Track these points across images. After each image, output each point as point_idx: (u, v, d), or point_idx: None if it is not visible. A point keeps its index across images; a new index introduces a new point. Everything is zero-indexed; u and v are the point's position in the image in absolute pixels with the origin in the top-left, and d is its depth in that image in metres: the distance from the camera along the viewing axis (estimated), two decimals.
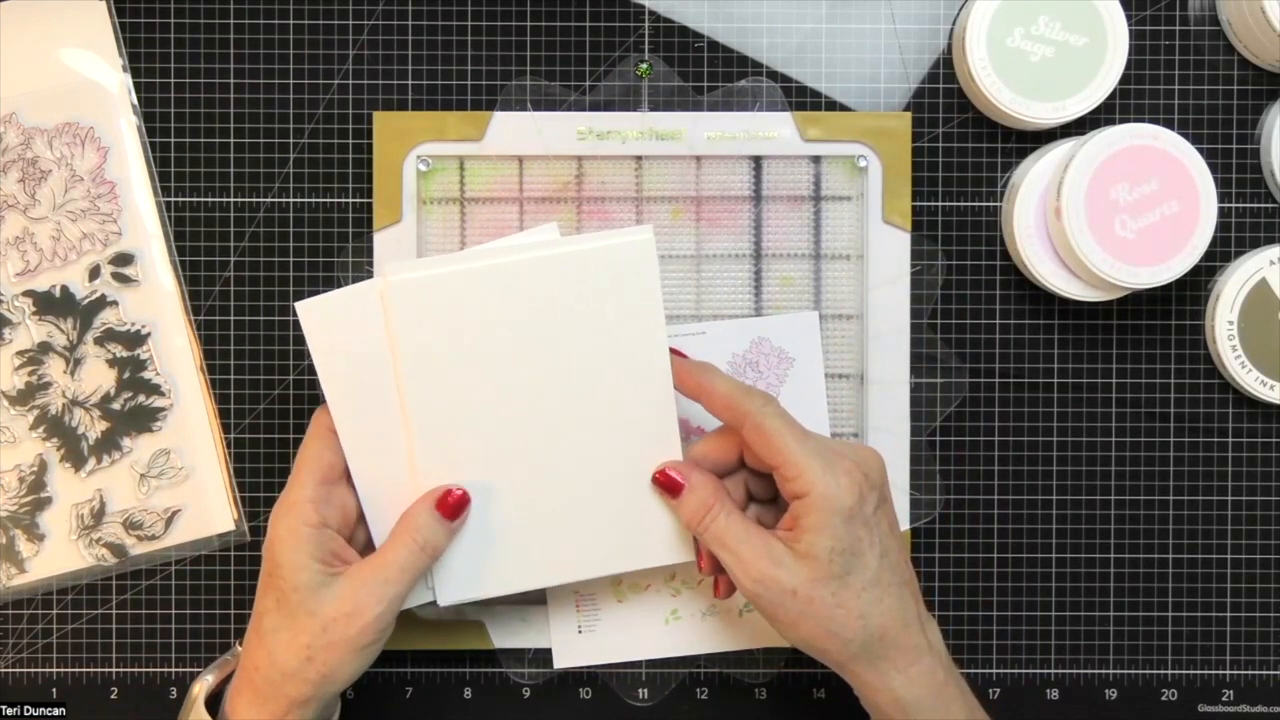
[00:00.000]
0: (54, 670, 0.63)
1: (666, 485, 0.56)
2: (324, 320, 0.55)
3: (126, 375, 0.63)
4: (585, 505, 0.56)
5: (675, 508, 0.56)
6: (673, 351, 0.56)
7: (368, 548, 0.57)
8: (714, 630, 0.62)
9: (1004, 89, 0.61)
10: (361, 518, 0.56)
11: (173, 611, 0.63)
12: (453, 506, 0.55)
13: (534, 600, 0.63)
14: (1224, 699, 0.64)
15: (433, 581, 0.57)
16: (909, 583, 0.54)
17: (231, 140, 0.63)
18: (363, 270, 0.62)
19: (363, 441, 0.55)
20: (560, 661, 0.62)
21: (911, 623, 0.54)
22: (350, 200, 0.63)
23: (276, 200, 0.63)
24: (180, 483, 0.63)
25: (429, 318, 0.54)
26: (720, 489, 0.55)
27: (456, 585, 0.57)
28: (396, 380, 0.55)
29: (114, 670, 0.63)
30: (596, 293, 0.54)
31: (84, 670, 0.63)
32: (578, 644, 0.62)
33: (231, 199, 0.63)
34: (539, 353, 0.55)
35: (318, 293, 0.62)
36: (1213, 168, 0.60)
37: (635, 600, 0.62)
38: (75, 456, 0.62)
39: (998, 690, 0.64)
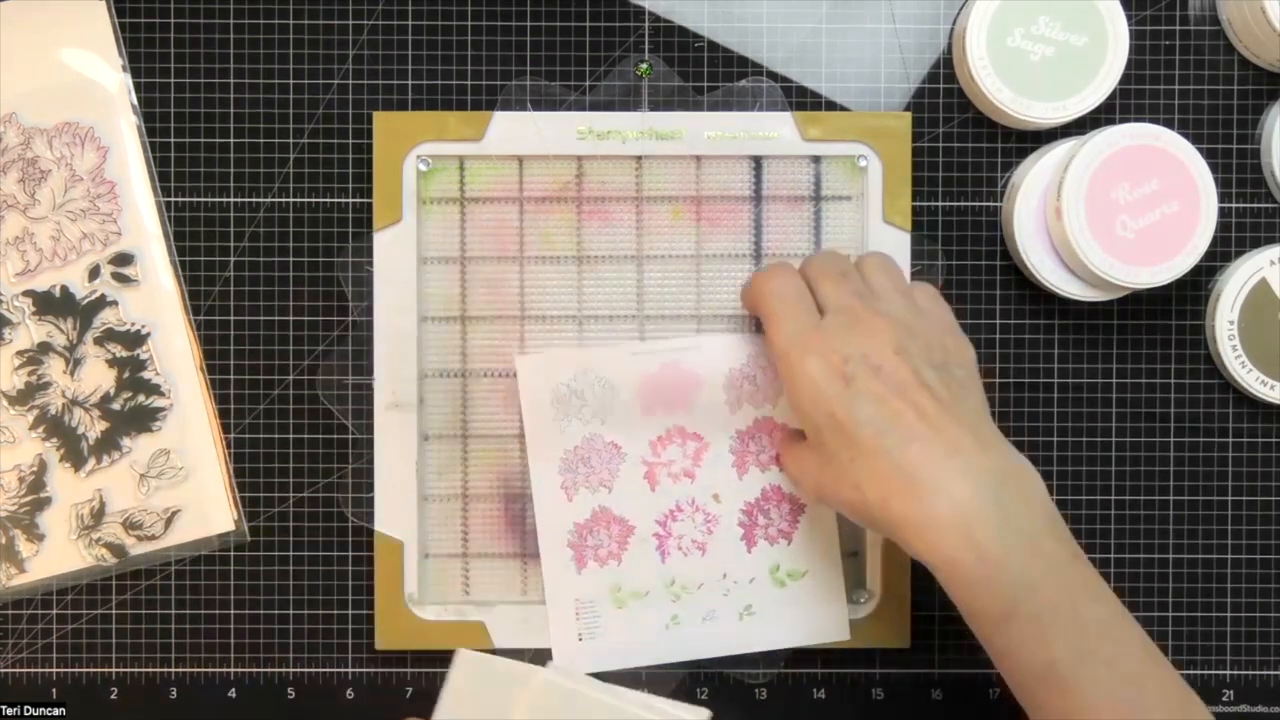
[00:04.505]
0: (54, 670, 0.63)
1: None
2: (472, 675, 0.57)
3: (126, 375, 0.63)
4: None
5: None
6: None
7: None
8: (714, 635, 0.62)
9: (1004, 89, 0.61)
10: None
11: (173, 611, 0.63)
12: None
13: (534, 600, 0.63)
14: (1224, 699, 0.64)
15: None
16: (919, 439, 0.52)
17: (231, 140, 0.63)
18: (362, 270, 0.62)
19: None
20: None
21: (922, 486, 0.51)
22: (350, 200, 0.63)
23: (276, 200, 0.63)
24: (180, 483, 0.63)
25: None
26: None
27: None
28: None
29: (114, 670, 0.63)
30: None
31: (84, 670, 0.63)
32: (578, 651, 0.62)
33: (231, 199, 0.63)
34: None
35: (317, 294, 0.63)
36: (1213, 168, 0.60)
37: (635, 606, 0.62)
38: (75, 456, 0.62)
39: (998, 690, 0.64)
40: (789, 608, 0.62)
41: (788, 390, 0.55)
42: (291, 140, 0.63)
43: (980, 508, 0.51)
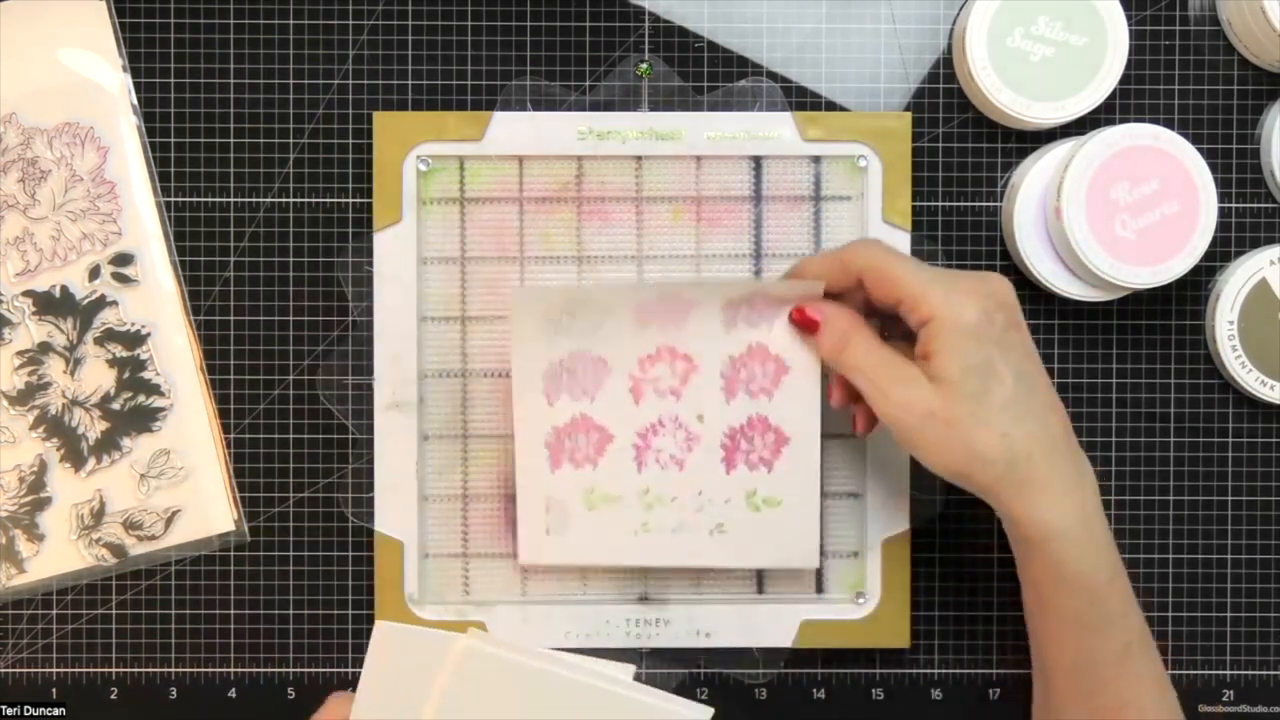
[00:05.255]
0: (54, 670, 0.63)
1: (803, 324, 0.57)
2: (393, 647, 0.55)
3: (126, 375, 0.63)
4: None
5: (815, 345, 0.57)
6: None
7: None
8: (682, 546, 0.61)
9: (1004, 89, 0.61)
10: None
11: (173, 611, 0.63)
12: None
13: (534, 600, 0.63)
14: (1224, 699, 0.64)
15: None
16: (1054, 408, 0.54)
17: (231, 140, 0.63)
18: (362, 270, 0.62)
19: None
20: (525, 559, 0.61)
21: (1059, 449, 0.53)
22: (350, 200, 0.63)
23: (276, 200, 0.63)
24: (180, 483, 0.63)
25: (479, 689, 0.54)
26: (855, 318, 0.55)
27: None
28: None
29: (114, 670, 0.63)
30: None
31: (84, 670, 0.63)
32: (544, 544, 0.61)
33: (231, 199, 0.63)
34: None
35: (317, 294, 0.63)
36: (1213, 168, 0.60)
37: (606, 510, 0.61)
38: (75, 456, 0.62)
39: (998, 690, 0.64)
40: (760, 532, 0.61)
41: (935, 330, 0.53)
42: (291, 140, 0.63)
43: (1091, 484, 0.54)
